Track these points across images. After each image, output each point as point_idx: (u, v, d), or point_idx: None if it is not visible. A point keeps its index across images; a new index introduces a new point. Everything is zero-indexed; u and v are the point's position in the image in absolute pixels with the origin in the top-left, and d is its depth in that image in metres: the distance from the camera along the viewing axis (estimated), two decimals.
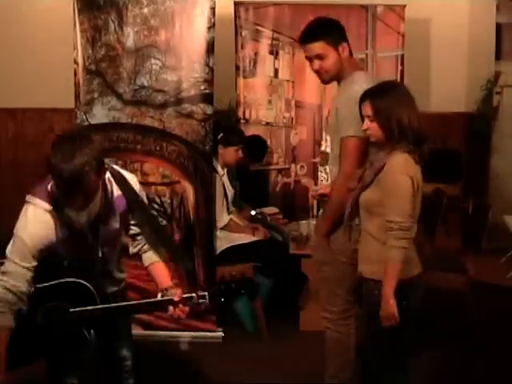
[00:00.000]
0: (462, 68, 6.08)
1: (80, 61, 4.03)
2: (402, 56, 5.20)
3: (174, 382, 3.70)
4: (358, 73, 3.10)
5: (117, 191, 2.57)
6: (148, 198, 4.02)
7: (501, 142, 6.06)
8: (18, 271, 2.46)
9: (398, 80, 5.20)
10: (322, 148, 3.23)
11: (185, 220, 4.07)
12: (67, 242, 2.48)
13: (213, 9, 3.99)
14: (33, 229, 2.45)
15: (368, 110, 2.70)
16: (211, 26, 3.98)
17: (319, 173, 3.26)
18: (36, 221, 2.45)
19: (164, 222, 4.07)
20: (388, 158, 2.66)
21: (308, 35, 3.06)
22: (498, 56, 5.98)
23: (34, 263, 2.47)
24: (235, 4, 5.04)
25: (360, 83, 2.97)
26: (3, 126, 6.16)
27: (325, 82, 3.15)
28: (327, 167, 3.17)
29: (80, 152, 2.32)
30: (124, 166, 4.03)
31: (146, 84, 4.01)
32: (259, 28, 5.12)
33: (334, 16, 5.17)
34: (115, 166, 2.69)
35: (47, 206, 2.45)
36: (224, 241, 4.29)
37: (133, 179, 2.67)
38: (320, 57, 3.03)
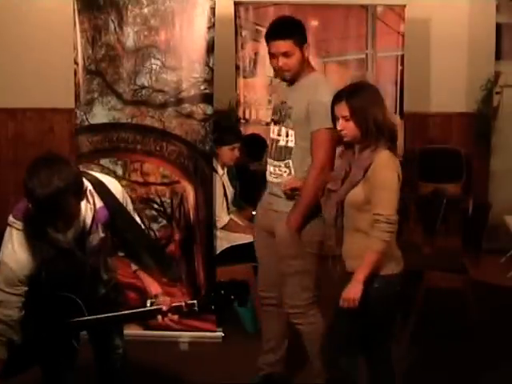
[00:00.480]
0: (462, 68, 6.08)
1: (80, 61, 4.03)
2: (402, 56, 5.21)
3: (174, 382, 3.71)
4: (317, 73, 3.31)
5: (99, 202, 2.49)
6: (148, 197, 4.06)
7: (501, 141, 6.06)
8: (8, 299, 2.40)
9: (399, 80, 5.22)
10: (282, 143, 3.25)
11: (185, 220, 4.07)
12: (55, 261, 2.42)
13: (213, 9, 3.99)
14: (20, 255, 2.37)
15: (344, 110, 2.76)
16: (211, 26, 3.98)
17: (274, 168, 3.28)
18: (22, 246, 2.37)
19: (164, 222, 4.07)
20: (374, 155, 2.73)
21: (278, 32, 3.16)
22: (498, 56, 5.98)
23: (24, 288, 2.41)
24: (235, 4, 5.04)
25: (326, 82, 3.26)
26: (3, 125, 6.17)
27: (285, 79, 3.26)
28: (290, 162, 3.23)
29: (58, 177, 2.22)
30: (124, 166, 4.05)
31: (146, 84, 4.01)
32: (259, 28, 5.12)
33: (334, 16, 5.23)
34: (96, 174, 2.60)
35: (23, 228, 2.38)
36: (224, 241, 4.28)
37: (115, 186, 2.59)
38: (287, 55, 3.14)
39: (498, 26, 5.94)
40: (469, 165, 6.03)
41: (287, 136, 3.23)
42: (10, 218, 2.41)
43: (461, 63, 6.07)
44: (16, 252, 2.37)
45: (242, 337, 4.21)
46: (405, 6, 5.20)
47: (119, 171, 4.04)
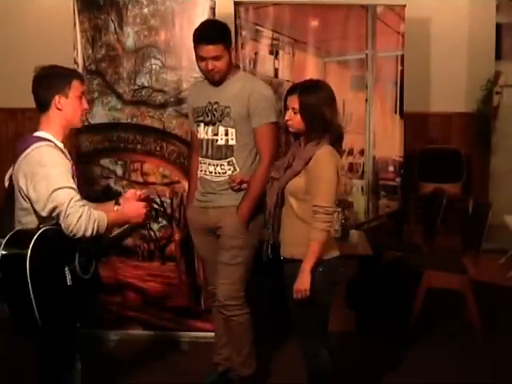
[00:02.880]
0: (461, 68, 6.08)
1: (80, 61, 4.03)
2: (402, 56, 5.20)
3: (174, 382, 3.70)
4: (242, 71, 3.55)
5: None
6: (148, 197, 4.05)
7: (501, 141, 6.07)
8: (75, 193, 2.50)
9: (399, 80, 5.21)
10: (221, 142, 3.32)
11: (185, 220, 4.06)
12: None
13: (213, 9, 4.00)
14: (60, 157, 2.54)
15: (294, 102, 2.90)
16: None
17: (214, 167, 3.35)
18: (56, 152, 2.55)
19: (164, 222, 4.07)
20: (316, 149, 2.87)
21: (210, 37, 3.22)
22: (498, 56, 5.99)
23: None
24: (235, 4, 5.03)
25: (257, 78, 3.67)
26: (3, 125, 6.17)
27: (215, 80, 3.33)
28: (233, 159, 3.31)
29: None
30: (124, 166, 4.05)
31: (146, 84, 4.01)
32: (259, 28, 5.11)
33: (334, 16, 5.22)
34: None
35: (54, 144, 2.58)
36: None
37: None
38: (216, 58, 3.23)
39: (498, 26, 5.95)
40: (469, 165, 6.03)
41: (227, 135, 3.32)
42: (38, 143, 2.56)
43: (461, 63, 6.07)
44: (57, 156, 2.54)
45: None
46: (405, 5, 5.19)
47: (119, 171, 4.04)
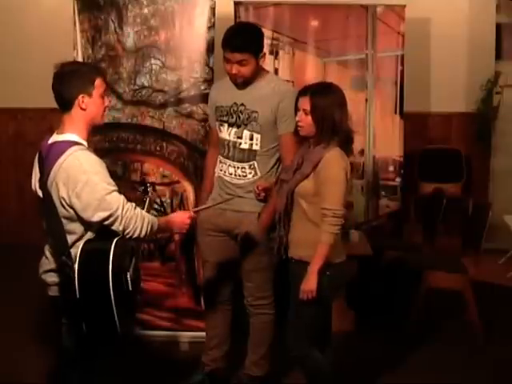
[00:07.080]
0: (462, 68, 6.08)
1: (80, 61, 4.03)
2: (402, 56, 5.20)
3: (173, 382, 3.70)
4: (271, 74, 3.45)
5: None
6: (148, 198, 4.05)
7: (501, 141, 6.06)
8: (120, 196, 2.55)
9: (399, 80, 5.21)
10: (244, 145, 3.31)
11: None
12: None
13: (213, 9, 3.99)
14: (96, 160, 2.59)
15: (306, 104, 2.92)
16: (211, 26, 3.98)
17: (235, 169, 3.33)
18: (91, 155, 2.61)
19: None
20: (324, 152, 2.88)
21: (237, 45, 3.17)
22: (498, 56, 5.99)
23: None
24: (235, 4, 5.03)
25: (286, 83, 3.61)
26: (3, 125, 6.16)
27: (238, 84, 3.30)
28: (255, 163, 3.29)
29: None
30: (124, 166, 4.05)
31: (146, 84, 4.01)
32: None
33: (334, 16, 5.22)
34: None
35: (84, 145, 2.62)
36: None
37: None
38: (242, 63, 3.19)
39: (498, 26, 5.94)
40: (469, 165, 6.03)
41: (251, 139, 3.29)
42: (71, 149, 2.55)
43: (461, 63, 6.06)
44: (94, 160, 2.60)
45: (241, 336, 4.21)
46: (405, 5, 5.19)
47: (119, 171, 4.04)
